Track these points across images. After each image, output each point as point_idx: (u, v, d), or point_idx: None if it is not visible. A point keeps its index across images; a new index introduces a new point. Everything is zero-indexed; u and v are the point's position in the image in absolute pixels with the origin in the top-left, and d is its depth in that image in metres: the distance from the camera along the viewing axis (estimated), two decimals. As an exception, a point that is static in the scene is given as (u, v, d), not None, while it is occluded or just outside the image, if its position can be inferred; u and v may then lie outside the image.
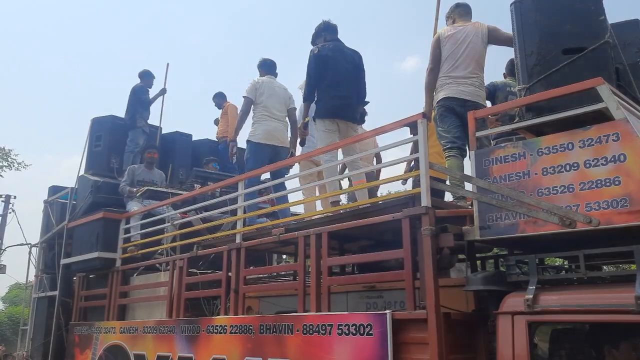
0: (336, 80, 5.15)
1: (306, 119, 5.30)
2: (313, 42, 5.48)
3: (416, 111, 3.76)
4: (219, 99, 9.12)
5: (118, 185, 7.14)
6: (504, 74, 5.76)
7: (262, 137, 5.97)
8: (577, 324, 3.17)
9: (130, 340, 5.49)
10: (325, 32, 5.42)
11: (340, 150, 5.24)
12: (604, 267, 3.82)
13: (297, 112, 6.43)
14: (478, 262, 4.33)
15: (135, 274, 6.33)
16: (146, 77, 8.43)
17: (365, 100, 5.48)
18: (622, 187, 2.56)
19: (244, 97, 6.08)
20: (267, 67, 6.38)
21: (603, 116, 2.75)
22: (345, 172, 5.94)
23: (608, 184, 2.61)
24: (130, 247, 6.26)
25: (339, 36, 5.49)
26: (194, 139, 8.94)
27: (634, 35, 3.32)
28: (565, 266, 3.59)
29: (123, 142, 7.90)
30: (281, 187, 5.75)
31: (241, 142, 8.36)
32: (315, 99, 5.30)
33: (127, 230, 6.43)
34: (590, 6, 3.07)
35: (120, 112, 8.25)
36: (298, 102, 6.69)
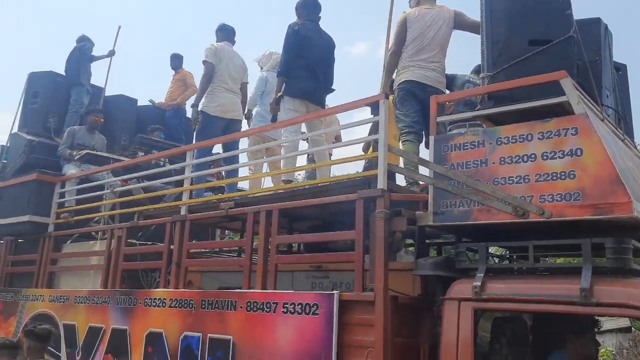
0: (312, 63, 5.05)
1: (279, 94, 5.14)
2: (297, 12, 5.28)
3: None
4: (177, 61, 8.72)
5: (54, 146, 6.73)
6: (471, 72, 5.80)
7: (217, 109, 5.81)
8: (518, 313, 3.26)
9: (60, 309, 5.21)
10: (311, 9, 5.24)
11: (304, 128, 5.15)
12: (552, 260, 3.93)
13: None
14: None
15: (69, 241, 6.01)
16: (85, 41, 7.94)
17: (332, 87, 5.41)
18: (577, 181, 2.59)
19: (204, 62, 5.86)
20: (226, 34, 6.17)
21: (563, 110, 2.78)
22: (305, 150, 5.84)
23: (563, 177, 2.64)
24: (64, 213, 5.93)
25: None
26: (138, 104, 8.54)
27: (595, 34, 3.37)
28: (510, 256, 3.67)
29: (62, 101, 7.39)
30: (233, 160, 5.60)
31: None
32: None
33: (62, 195, 6.08)
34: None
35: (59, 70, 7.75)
36: (253, 76, 6.54)
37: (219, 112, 5.81)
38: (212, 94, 5.83)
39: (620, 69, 3.91)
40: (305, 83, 5.04)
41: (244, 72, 6.21)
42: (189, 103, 7.16)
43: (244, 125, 6.58)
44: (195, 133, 5.98)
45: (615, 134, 3.16)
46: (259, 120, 6.41)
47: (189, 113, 6.78)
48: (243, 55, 6.29)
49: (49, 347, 4.75)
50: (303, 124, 5.14)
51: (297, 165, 5.08)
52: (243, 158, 6.49)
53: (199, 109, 5.91)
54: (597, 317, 3.23)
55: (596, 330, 3.13)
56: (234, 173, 5.71)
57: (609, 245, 2.52)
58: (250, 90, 6.63)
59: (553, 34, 3.01)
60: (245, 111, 6.52)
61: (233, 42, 6.21)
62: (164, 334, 4.10)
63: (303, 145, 6.06)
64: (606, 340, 11.02)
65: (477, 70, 5.44)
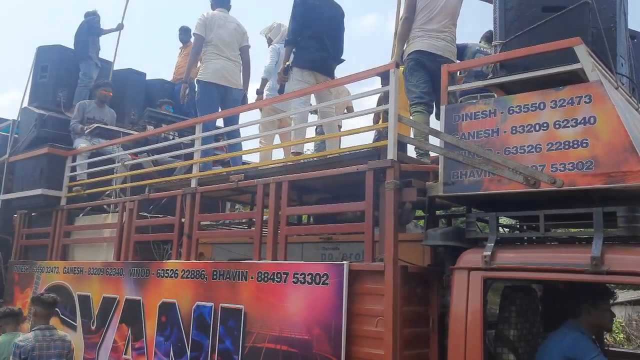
0: (320, 32, 5.00)
1: (287, 63, 5.10)
2: None
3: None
4: (185, 34, 8.67)
5: (64, 120, 6.77)
6: (480, 42, 5.72)
7: (212, 76, 5.72)
8: (528, 282, 3.27)
9: (75, 280, 5.31)
10: None
11: (313, 99, 5.12)
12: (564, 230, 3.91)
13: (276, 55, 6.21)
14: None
15: (82, 214, 6.08)
16: (93, 14, 7.90)
17: (341, 58, 5.35)
18: (589, 149, 2.57)
19: (193, 34, 5.81)
20: (219, 1, 6.04)
21: (577, 78, 2.73)
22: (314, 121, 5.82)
23: (575, 146, 2.61)
24: (76, 186, 5.98)
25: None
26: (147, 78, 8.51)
27: (610, 1, 3.28)
28: (521, 226, 3.67)
29: (71, 75, 7.40)
30: (235, 133, 5.57)
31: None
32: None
33: (74, 169, 6.13)
34: (573, -36, 3.00)
35: (68, 44, 7.73)
36: (257, 47, 6.46)
37: (214, 79, 5.71)
38: (207, 62, 5.77)
39: (636, 37, 3.83)
40: (314, 53, 4.99)
41: (242, 35, 6.01)
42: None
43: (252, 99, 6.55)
44: (196, 103, 5.95)
45: (629, 102, 3.11)
46: (271, 92, 6.39)
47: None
48: (252, 26, 6.20)
49: (62, 316, 5.14)
50: (312, 95, 5.11)
51: (307, 136, 5.07)
52: (248, 131, 6.46)
53: (196, 78, 5.86)
54: (612, 289, 3.24)
55: (611, 301, 3.12)
56: (238, 146, 5.69)
57: (620, 214, 2.51)
58: (265, 63, 6.58)
59: (567, 0, 2.94)
60: (260, 82, 6.48)
61: (228, 8, 6.07)
62: (176, 303, 4.17)
63: (313, 117, 6.04)
64: (616, 312, 11.07)
65: (487, 37, 5.36)
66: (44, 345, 4.11)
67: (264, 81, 6.50)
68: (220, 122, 6.02)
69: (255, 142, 6.00)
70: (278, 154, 6.04)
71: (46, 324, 4.27)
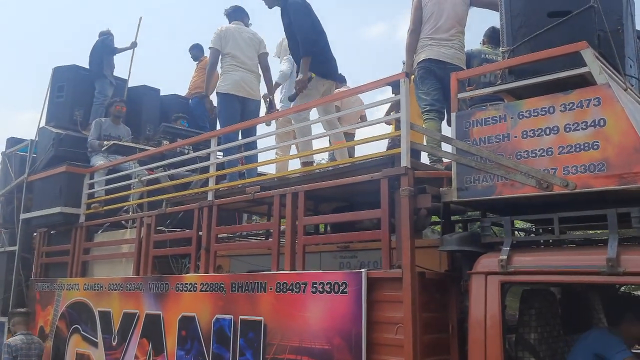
0: (326, 42, 5.04)
1: (312, 75, 4.93)
2: None
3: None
4: (197, 51, 8.82)
5: (81, 138, 6.89)
6: (483, 40, 5.77)
7: (231, 87, 5.81)
8: (546, 284, 3.28)
9: (95, 297, 5.39)
10: None
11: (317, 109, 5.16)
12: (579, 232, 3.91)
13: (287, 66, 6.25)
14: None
15: (100, 231, 6.17)
16: (107, 34, 8.07)
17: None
18: (600, 151, 2.59)
19: (209, 47, 5.91)
20: (235, 14, 6.13)
21: (585, 81, 2.76)
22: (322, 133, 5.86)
23: (587, 148, 2.64)
24: (94, 203, 6.08)
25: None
26: (162, 94, 8.64)
27: (616, 2, 3.31)
28: (535, 229, 3.68)
29: (87, 94, 7.53)
30: (252, 145, 5.63)
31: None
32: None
33: (92, 186, 6.24)
34: (578, -31, 3.04)
35: (83, 64, 7.88)
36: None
37: (233, 90, 5.79)
38: (226, 74, 5.86)
39: (644, 38, 3.83)
40: (329, 61, 5.03)
41: (259, 43, 6.09)
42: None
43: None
44: (217, 115, 6.04)
45: (639, 103, 3.13)
46: (283, 103, 6.46)
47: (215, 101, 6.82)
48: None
49: (83, 333, 5.42)
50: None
51: (322, 146, 5.11)
52: (264, 142, 6.52)
53: (216, 91, 5.92)
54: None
55: None
56: (254, 158, 5.75)
57: (634, 215, 2.52)
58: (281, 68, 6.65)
59: (573, 5, 2.98)
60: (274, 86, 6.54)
61: (245, 21, 6.17)
62: (196, 317, 4.22)
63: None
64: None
65: (490, 35, 5.38)
66: (26, 347, 5.34)
67: (277, 85, 6.54)
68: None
69: (271, 153, 6.06)
70: (295, 164, 6.09)
71: (26, 330, 5.54)
